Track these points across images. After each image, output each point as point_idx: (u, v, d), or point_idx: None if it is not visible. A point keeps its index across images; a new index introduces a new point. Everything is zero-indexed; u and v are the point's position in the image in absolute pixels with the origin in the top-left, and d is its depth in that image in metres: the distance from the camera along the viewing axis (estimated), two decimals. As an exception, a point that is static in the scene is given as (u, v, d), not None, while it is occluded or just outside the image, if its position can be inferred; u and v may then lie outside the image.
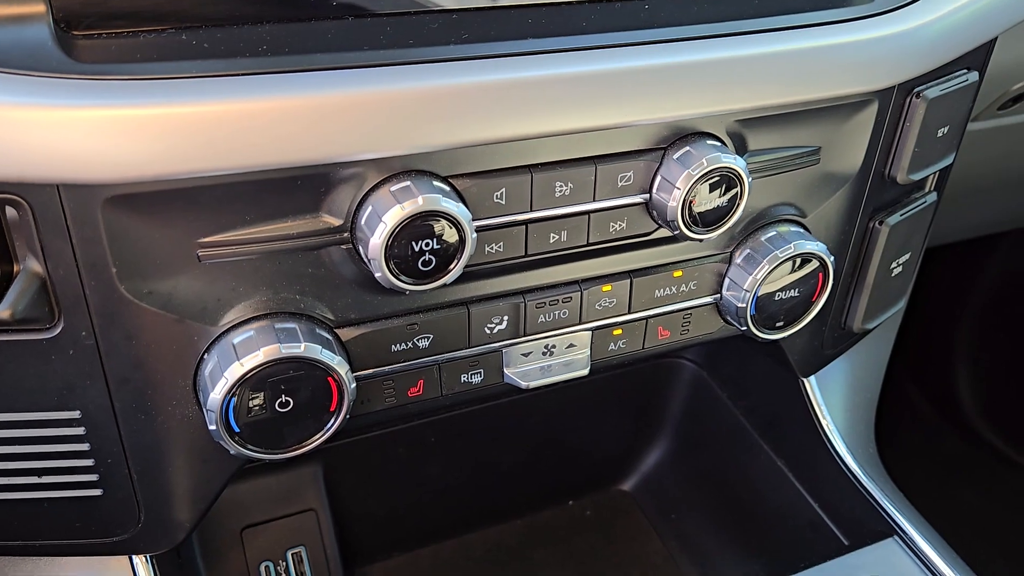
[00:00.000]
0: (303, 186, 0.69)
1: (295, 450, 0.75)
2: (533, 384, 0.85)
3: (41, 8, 0.63)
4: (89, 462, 0.76)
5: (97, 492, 0.77)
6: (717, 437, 1.27)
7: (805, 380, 1.08)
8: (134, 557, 0.85)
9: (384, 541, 1.21)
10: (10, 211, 0.65)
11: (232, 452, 0.73)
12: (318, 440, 0.75)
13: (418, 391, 0.82)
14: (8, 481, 0.75)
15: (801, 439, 1.11)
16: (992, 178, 1.45)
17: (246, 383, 0.70)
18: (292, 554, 1.09)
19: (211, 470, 0.79)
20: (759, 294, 0.89)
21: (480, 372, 0.84)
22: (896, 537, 0.99)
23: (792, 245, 0.86)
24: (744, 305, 0.89)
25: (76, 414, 0.73)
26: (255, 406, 0.71)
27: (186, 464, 0.78)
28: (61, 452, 0.74)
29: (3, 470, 0.74)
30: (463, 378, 0.83)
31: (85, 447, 0.75)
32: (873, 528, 1.01)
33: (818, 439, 1.08)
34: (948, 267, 2.03)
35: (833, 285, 0.91)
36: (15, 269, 0.68)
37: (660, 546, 1.28)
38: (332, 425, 0.75)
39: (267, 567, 1.08)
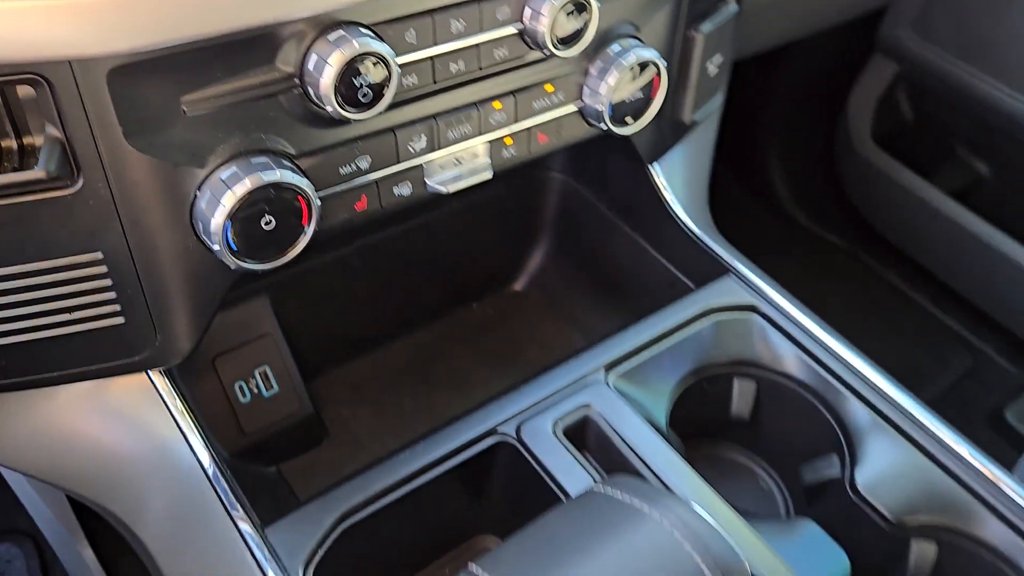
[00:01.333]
0: (257, 44, 0.86)
1: (282, 257, 0.95)
2: (452, 188, 1.07)
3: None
4: (112, 295, 0.93)
5: (120, 320, 0.95)
6: (587, 230, 1.54)
7: (651, 168, 1.35)
8: (150, 371, 1.03)
9: (329, 354, 1.43)
10: (24, 90, 0.80)
11: (232, 267, 0.92)
12: (299, 247, 0.95)
13: (363, 205, 1.03)
14: (46, 321, 0.92)
15: (653, 216, 1.39)
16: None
17: (239, 209, 0.88)
18: (259, 372, 1.29)
19: (211, 288, 0.98)
20: (613, 100, 1.13)
21: (408, 184, 1.05)
22: (732, 274, 1.30)
23: (633, 54, 1.10)
24: (602, 108, 1.13)
25: (99, 255, 0.89)
26: (247, 227, 0.90)
27: (189, 286, 0.96)
28: (88, 289, 0.91)
29: (41, 311, 0.91)
30: (395, 191, 1.05)
31: (108, 283, 0.92)
32: (714, 272, 1.31)
33: (665, 213, 1.36)
34: (755, 76, 2.35)
35: (667, 85, 1.17)
36: (27, 142, 0.84)
37: (553, 326, 1.56)
38: (307, 233, 0.95)
39: (240, 386, 1.28)
